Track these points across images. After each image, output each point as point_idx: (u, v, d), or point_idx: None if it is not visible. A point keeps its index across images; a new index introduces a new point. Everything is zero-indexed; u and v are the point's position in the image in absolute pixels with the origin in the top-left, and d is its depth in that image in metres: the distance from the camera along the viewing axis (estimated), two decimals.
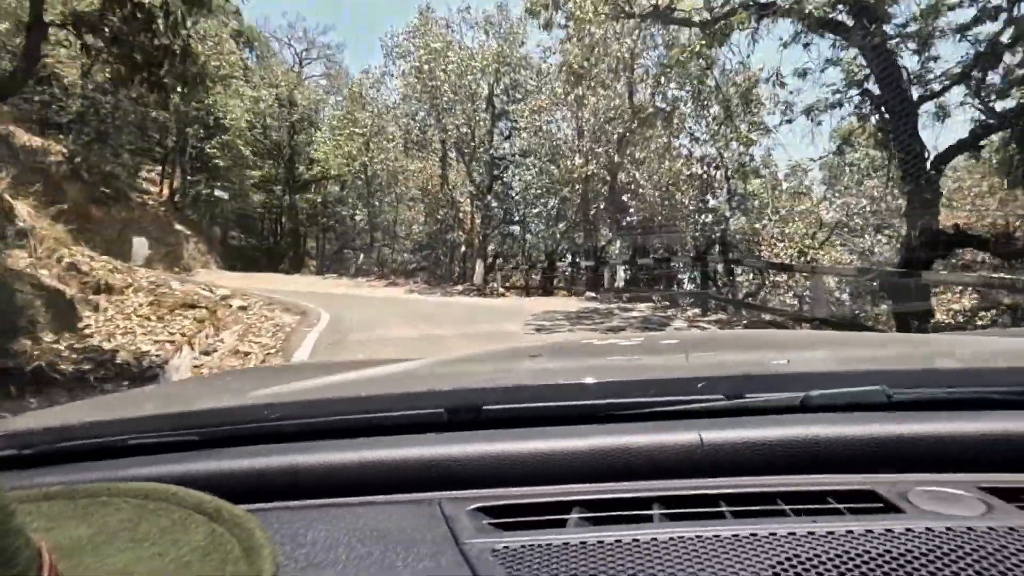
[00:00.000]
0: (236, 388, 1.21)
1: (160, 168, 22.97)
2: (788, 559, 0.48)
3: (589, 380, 0.85)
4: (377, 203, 23.46)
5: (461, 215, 21.43)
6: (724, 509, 0.58)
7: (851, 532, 0.50)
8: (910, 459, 0.64)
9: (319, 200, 27.47)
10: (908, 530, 0.50)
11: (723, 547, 0.50)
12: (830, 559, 0.47)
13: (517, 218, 20.65)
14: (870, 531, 0.50)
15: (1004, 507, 0.54)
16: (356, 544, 0.54)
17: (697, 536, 0.51)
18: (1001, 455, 0.64)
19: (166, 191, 22.62)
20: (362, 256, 24.46)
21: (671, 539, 0.51)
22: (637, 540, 0.52)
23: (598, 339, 2.10)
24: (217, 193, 23.44)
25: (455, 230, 21.62)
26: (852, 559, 0.47)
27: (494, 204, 19.33)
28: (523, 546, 0.52)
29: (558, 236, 19.15)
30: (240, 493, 0.58)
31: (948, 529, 0.50)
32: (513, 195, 20.68)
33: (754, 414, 0.71)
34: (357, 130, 20.58)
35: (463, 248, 21.36)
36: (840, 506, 0.57)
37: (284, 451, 0.69)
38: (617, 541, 0.52)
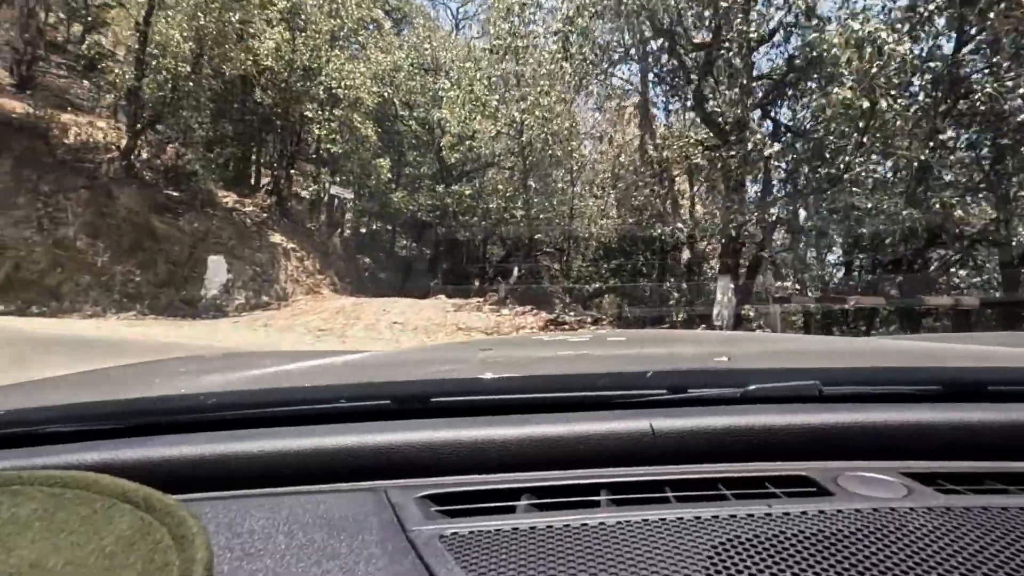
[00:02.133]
0: (173, 375, 1.15)
1: (254, 160, 17.76)
2: (729, 539, 0.50)
3: (539, 372, 0.94)
4: (534, 184, 14.84)
5: (680, 197, 11.54)
6: (669, 494, 0.60)
7: (787, 514, 0.54)
8: (840, 448, 0.68)
9: (467, 192, 20.02)
10: (838, 511, 0.54)
11: (668, 530, 0.52)
12: (768, 538, 0.50)
13: (802, 184, 9.76)
14: (804, 512, 0.54)
15: (922, 490, 0.59)
16: (298, 532, 0.53)
17: (644, 520, 0.54)
18: (920, 444, 0.69)
19: (263, 191, 17.15)
20: (516, 271, 16.13)
21: (618, 523, 0.53)
22: (585, 524, 0.53)
23: (547, 335, 2.11)
24: (334, 190, 17.36)
25: (669, 221, 11.79)
26: (788, 538, 0.50)
27: (767, 153, 8.94)
28: (472, 532, 0.53)
29: (921, 218, 8.08)
30: (172, 482, 0.56)
31: (874, 510, 0.54)
32: (799, 141, 9.89)
33: (697, 406, 0.73)
34: (494, 42, 12.13)
35: (686, 254, 11.40)
36: (776, 490, 0.60)
37: (220, 439, 0.67)
38: (566, 526, 0.53)
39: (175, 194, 14.06)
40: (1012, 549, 0.48)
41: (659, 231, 11.88)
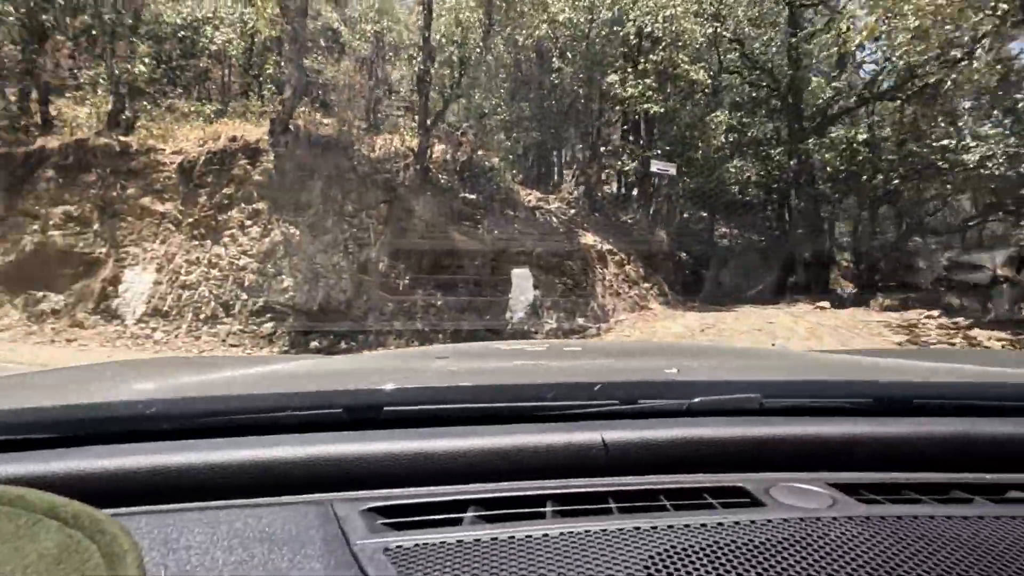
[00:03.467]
0: (110, 382, 1.09)
1: (555, 146, 14.16)
2: (667, 549, 0.52)
3: (492, 382, 0.91)
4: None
5: None
6: (612, 506, 0.61)
7: (721, 524, 0.56)
8: (774, 459, 0.71)
9: (859, 137, 12.82)
10: (768, 521, 0.57)
11: (610, 540, 0.53)
12: (703, 548, 0.52)
13: None
14: (737, 522, 0.56)
15: (846, 500, 0.62)
16: (237, 547, 0.52)
17: (586, 531, 0.55)
18: (847, 456, 0.72)
19: (570, 181, 13.49)
20: (1000, 260, 8.66)
21: (562, 534, 0.54)
22: (530, 536, 0.54)
23: (505, 344, 2.01)
24: (656, 166, 12.78)
25: None
26: (721, 548, 0.52)
27: None
28: (416, 545, 0.53)
29: None
30: (105, 496, 0.54)
31: (801, 519, 0.57)
32: None
33: (645, 418, 0.75)
34: None
35: None
36: (714, 501, 0.62)
37: (157, 450, 0.64)
38: (511, 538, 0.54)
39: (472, 197, 11.49)
40: (921, 555, 0.51)
41: None
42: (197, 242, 10.47)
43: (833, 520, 0.56)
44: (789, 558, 0.50)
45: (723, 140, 14.72)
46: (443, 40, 10.83)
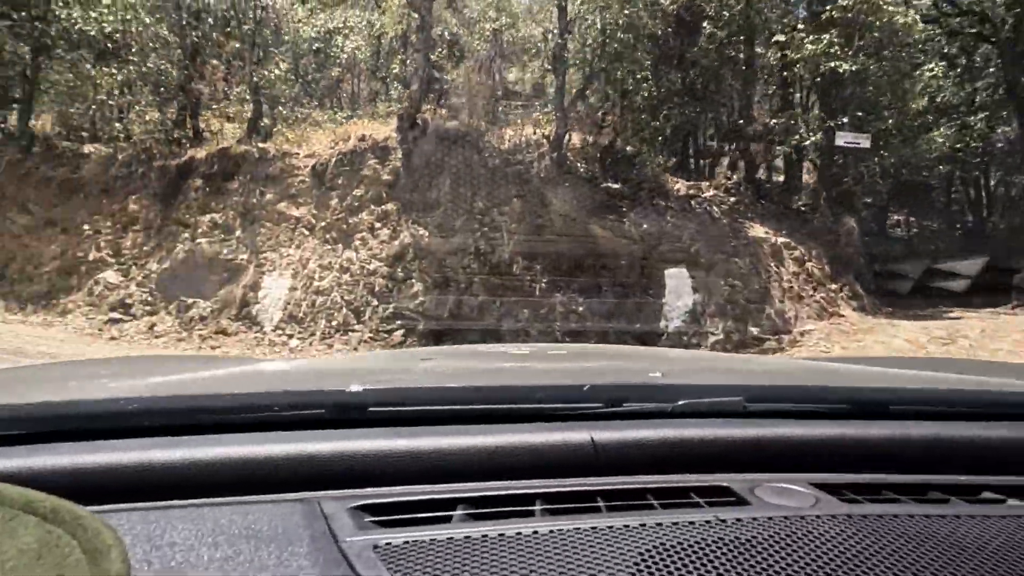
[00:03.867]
0: (92, 378, 1.08)
1: (706, 126, 12.03)
2: (655, 546, 0.53)
3: (479, 383, 0.91)
4: None
5: None
6: (600, 504, 0.62)
7: (708, 522, 0.57)
8: (758, 460, 0.71)
9: None
10: (754, 519, 0.58)
11: (599, 538, 0.54)
12: (690, 545, 0.53)
13: None
14: (723, 521, 0.57)
15: (828, 499, 0.63)
16: (223, 544, 0.52)
17: (575, 528, 0.55)
18: (829, 457, 0.73)
19: (726, 164, 11.40)
20: None
21: (551, 532, 0.54)
22: (520, 533, 0.54)
23: (488, 347, 2.04)
24: (843, 140, 10.37)
25: None
26: (708, 544, 0.53)
27: None
28: (406, 542, 0.52)
29: None
30: (86, 492, 0.53)
31: (785, 518, 0.58)
32: None
33: (632, 419, 0.75)
34: None
35: None
36: (700, 500, 0.63)
37: (140, 446, 0.63)
38: (500, 535, 0.54)
39: (615, 186, 10.00)
40: (901, 552, 0.53)
41: None
42: (329, 246, 10.11)
43: (816, 518, 0.58)
44: (775, 554, 0.51)
45: (924, 104, 11.77)
46: (581, 7, 9.46)
